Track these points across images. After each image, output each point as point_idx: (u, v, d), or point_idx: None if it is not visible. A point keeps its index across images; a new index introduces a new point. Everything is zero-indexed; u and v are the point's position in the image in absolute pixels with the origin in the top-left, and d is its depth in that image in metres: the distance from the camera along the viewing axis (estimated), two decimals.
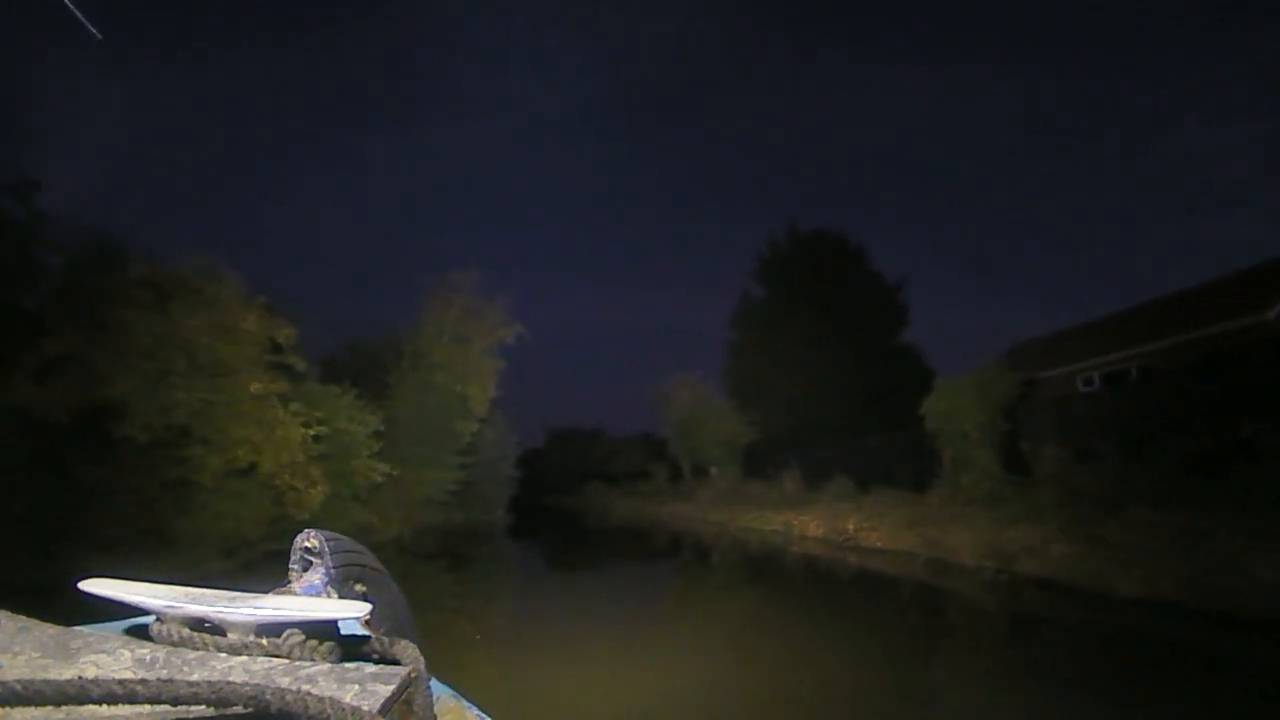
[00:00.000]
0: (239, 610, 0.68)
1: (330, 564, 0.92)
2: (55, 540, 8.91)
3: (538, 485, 42.68)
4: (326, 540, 0.94)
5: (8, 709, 0.50)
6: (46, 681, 0.50)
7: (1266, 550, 6.76)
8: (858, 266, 31.11)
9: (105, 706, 0.52)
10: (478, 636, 6.18)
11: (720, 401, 27.85)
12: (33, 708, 0.50)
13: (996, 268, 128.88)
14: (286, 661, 0.64)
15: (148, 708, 0.53)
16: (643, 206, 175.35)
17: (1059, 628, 6.92)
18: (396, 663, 0.68)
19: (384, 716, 0.57)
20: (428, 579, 11.42)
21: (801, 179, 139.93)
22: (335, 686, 0.60)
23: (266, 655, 0.66)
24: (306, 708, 0.52)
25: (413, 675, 0.65)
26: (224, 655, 0.66)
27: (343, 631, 0.75)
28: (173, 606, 0.70)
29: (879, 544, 12.56)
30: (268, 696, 0.52)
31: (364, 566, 0.98)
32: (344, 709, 0.52)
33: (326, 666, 0.64)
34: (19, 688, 0.49)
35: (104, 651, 0.65)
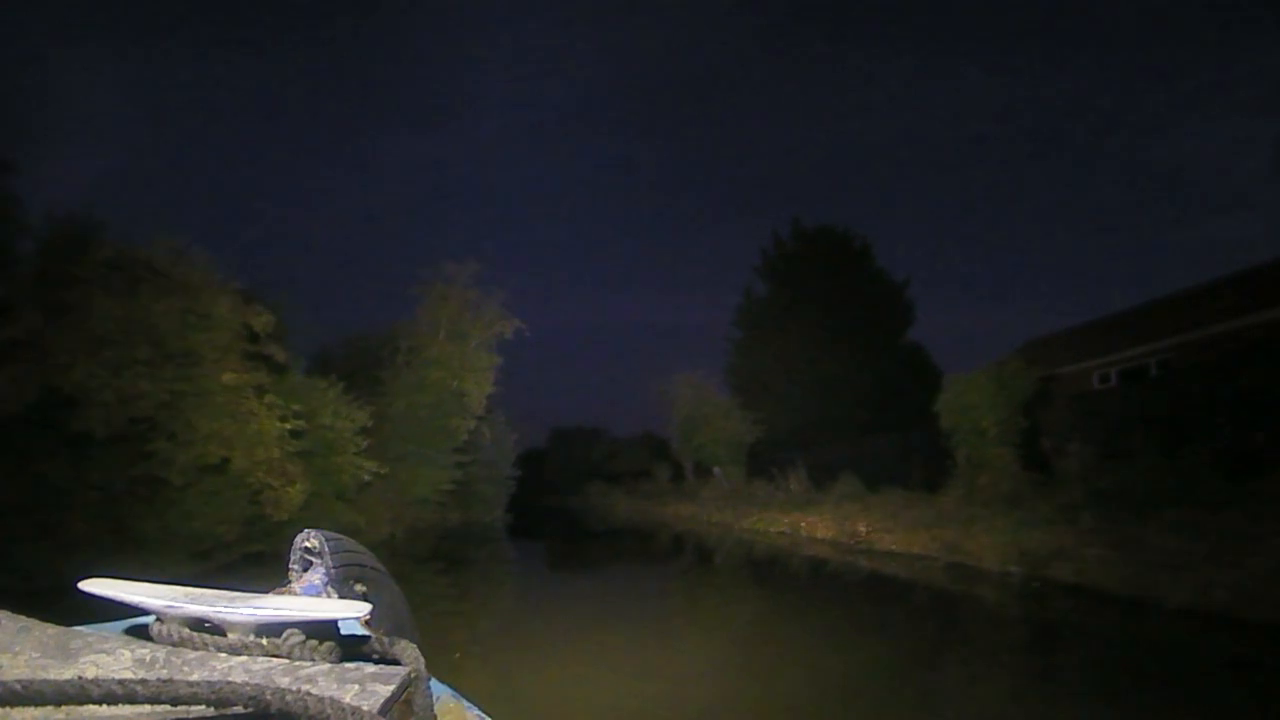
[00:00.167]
0: (239, 610, 0.68)
1: (330, 564, 0.90)
2: (13, 541, 8.31)
3: (539, 485, 42.43)
4: (326, 540, 0.92)
5: (8, 709, 0.50)
6: (46, 681, 0.50)
7: None
8: (863, 263, 30.68)
9: (105, 706, 0.52)
10: (456, 655, 5.58)
11: (724, 399, 27.32)
12: (33, 708, 0.50)
13: (1000, 267, 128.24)
14: (286, 661, 0.64)
15: (148, 708, 0.53)
16: (644, 206, 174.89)
17: (1109, 643, 6.21)
18: (396, 663, 0.67)
19: (384, 716, 0.57)
20: (418, 584, 10.80)
21: (804, 179, 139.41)
22: (335, 686, 0.59)
23: (266, 655, 0.65)
24: (306, 708, 0.52)
25: (413, 675, 0.65)
26: (224, 655, 0.65)
27: (343, 631, 0.74)
28: (173, 606, 0.70)
29: (893, 547, 11.93)
30: (268, 696, 0.52)
31: (364, 566, 0.97)
32: (344, 709, 0.52)
33: (326, 666, 0.63)
34: (19, 688, 0.49)
35: (104, 651, 0.65)
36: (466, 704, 0.88)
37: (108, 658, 0.64)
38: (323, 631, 0.70)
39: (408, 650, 0.69)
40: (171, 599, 0.71)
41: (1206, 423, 10.63)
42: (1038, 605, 7.68)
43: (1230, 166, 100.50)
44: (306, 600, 0.83)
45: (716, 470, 25.92)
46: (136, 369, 10.05)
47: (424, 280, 21.63)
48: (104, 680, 0.51)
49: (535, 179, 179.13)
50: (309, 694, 0.53)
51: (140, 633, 0.72)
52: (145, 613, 0.75)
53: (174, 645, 0.67)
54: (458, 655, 5.66)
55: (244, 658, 0.65)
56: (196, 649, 0.66)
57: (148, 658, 0.64)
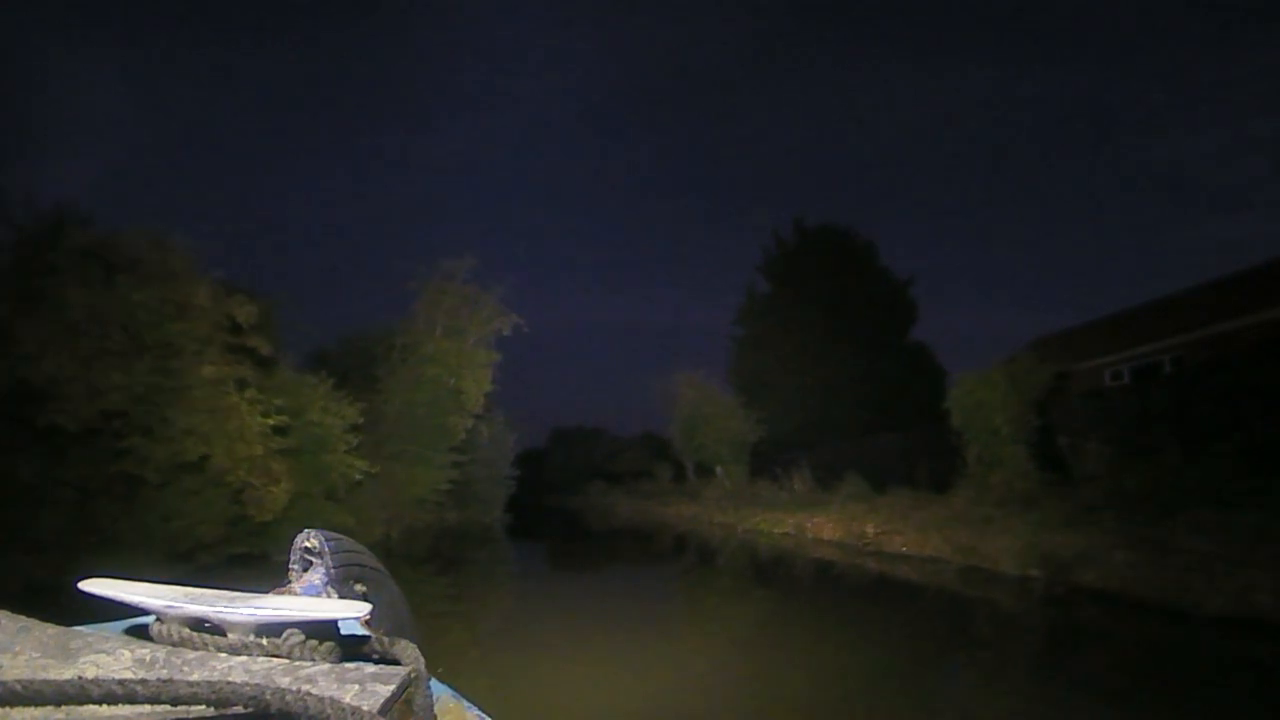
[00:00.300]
0: (239, 610, 0.68)
1: (330, 564, 0.90)
2: None
3: (540, 485, 42.18)
4: (326, 540, 0.91)
5: (8, 709, 0.50)
6: (46, 681, 0.50)
7: None
8: (866, 262, 30.34)
9: (105, 706, 0.52)
10: (440, 670, 5.17)
11: (726, 398, 26.95)
12: (33, 708, 0.50)
13: (1001, 266, 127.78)
14: (286, 661, 0.64)
15: (148, 708, 0.53)
16: (645, 206, 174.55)
17: (1150, 654, 5.72)
18: (396, 663, 0.67)
19: (384, 716, 0.57)
20: (413, 586, 10.38)
21: (805, 178, 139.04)
22: (335, 686, 0.59)
23: (266, 655, 0.65)
24: (306, 708, 0.52)
25: (413, 675, 0.65)
26: (224, 655, 0.65)
27: (343, 631, 0.74)
28: (173, 606, 0.70)
29: (903, 549, 11.48)
30: (268, 696, 0.52)
31: (364, 566, 0.96)
32: (344, 709, 0.52)
33: (326, 666, 0.63)
34: (19, 688, 0.49)
35: (104, 651, 0.65)
36: (466, 704, 0.87)
37: (108, 658, 0.64)
38: (323, 631, 0.69)
39: (408, 650, 0.69)
40: (171, 599, 0.70)
41: (1228, 420, 10.20)
42: (1065, 612, 7.24)
43: (1230, 167, 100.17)
44: (306, 600, 0.83)
45: (719, 470, 25.55)
46: (108, 360, 9.57)
47: (420, 276, 21.24)
48: (104, 680, 0.51)
49: (536, 179, 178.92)
50: (309, 694, 0.52)
51: (140, 633, 0.72)
52: (145, 613, 0.74)
53: (174, 645, 0.67)
54: (440, 670, 5.24)
55: (244, 658, 0.64)
56: (196, 649, 0.66)
57: (148, 658, 0.64)
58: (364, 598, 0.91)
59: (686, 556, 14.71)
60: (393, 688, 0.60)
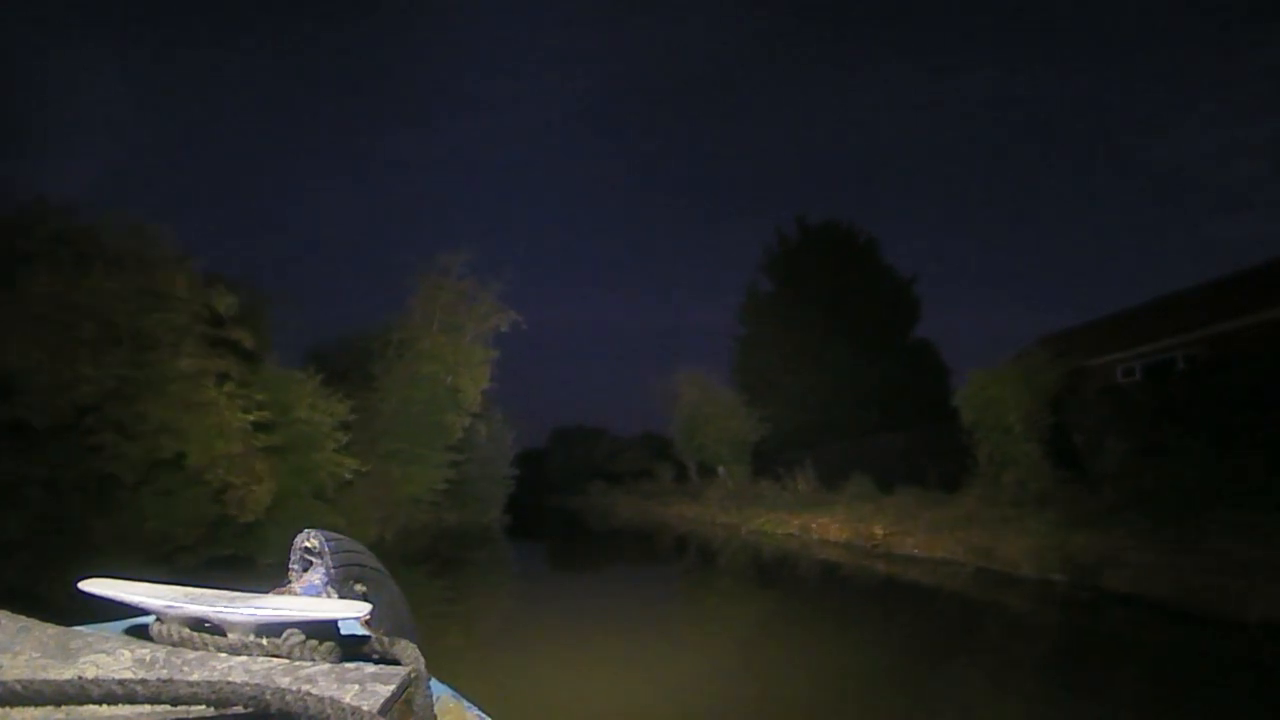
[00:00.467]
0: (239, 610, 0.68)
1: (330, 564, 0.90)
2: None
3: (540, 485, 41.87)
4: (326, 540, 0.91)
5: (8, 709, 0.50)
6: (46, 681, 0.50)
7: None
8: (869, 259, 29.97)
9: (105, 706, 0.52)
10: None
11: (728, 397, 26.55)
12: (33, 708, 0.50)
13: (1003, 265, 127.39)
14: (286, 661, 0.64)
15: (148, 708, 0.53)
16: (646, 205, 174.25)
17: (1201, 669, 5.18)
18: (396, 663, 0.67)
19: (384, 716, 0.57)
20: (406, 588, 9.97)
21: (806, 178, 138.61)
22: (335, 686, 0.59)
23: (266, 655, 0.65)
24: (306, 708, 0.52)
25: (413, 675, 0.65)
26: (224, 655, 0.65)
27: (343, 631, 0.74)
28: (173, 606, 0.70)
29: (914, 551, 11.07)
30: (268, 696, 0.52)
31: (364, 566, 0.96)
32: (344, 709, 0.52)
33: (326, 666, 0.63)
34: (19, 688, 0.49)
35: (104, 651, 0.64)
36: (466, 704, 0.87)
37: (108, 658, 0.63)
38: (323, 631, 0.69)
39: (408, 650, 0.69)
40: (171, 599, 0.70)
41: (1254, 416, 9.79)
42: (1096, 620, 6.80)
43: (1230, 167, 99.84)
44: (306, 600, 0.83)
45: (721, 470, 25.15)
46: (78, 351, 9.12)
47: (416, 270, 20.80)
48: (104, 680, 0.51)
49: (536, 178, 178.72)
50: (309, 694, 0.53)
51: (140, 633, 0.72)
52: (145, 613, 0.74)
53: (174, 645, 0.67)
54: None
55: (244, 658, 0.64)
56: (196, 649, 0.66)
57: (148, 658, 0.64)
58: (364, 598, 0.90)
59: (691, 560, 14.30)
60: (393, 688, 0.60)
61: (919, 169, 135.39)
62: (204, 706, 0.52)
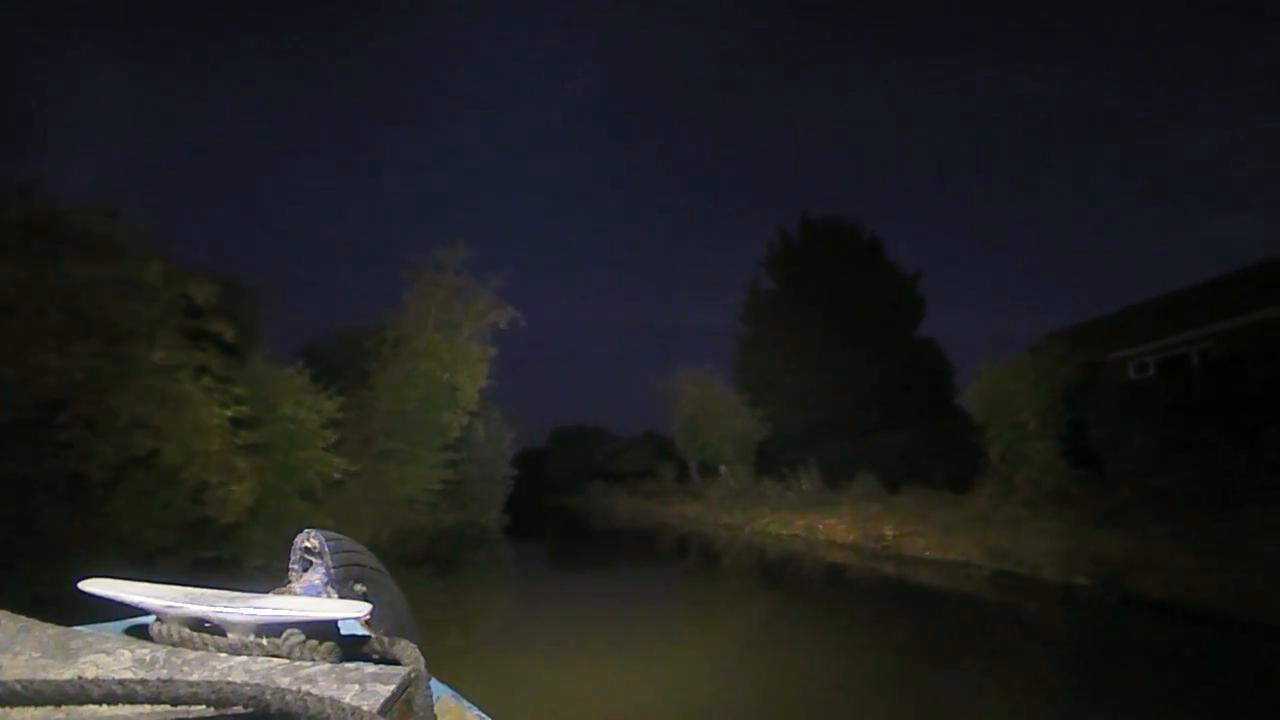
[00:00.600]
0: (239, 610, 0.68)
1: (330, 564, 0.88)
2: None
3: (541, 485, 41.55)
4: (326, 540, 0.89)
5: (8, 709, 0.50)
6: (46, 681, 0.50)
7: None
8: (872, 257, 29.62)
9: (105, 706, 0.52)
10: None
11: (730, 395, 26.15)
12: (33, 708, 0.50)
13: (1004, 264, 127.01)
14: (286, 661, 0.64)
15: (148, 708, 0.53)
16: (646, 204, 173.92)
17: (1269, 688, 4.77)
18: (396, 663, 0.67)
19: (384, 716, 0.57)
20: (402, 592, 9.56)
21: (807, 178, 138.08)
22: (335, 686, 0.59)
23: (266, 655, 0.65)
24: (306, 708, 0.51)
25: (413, 675, 0.65)
26: (224, 655, 0.65)
27: (343, 631, 0.74)
28: (173, 606, 0.69)
29: (926, 553, 10.63)
30: (268, 696, 0.51)
31: (364, 566, 0.95)
32: (344, 709, 0.52)
33: (326, 666, 0.63)
34: (19, 688, 0.48)
35: (104, 651, 0.64)
36: (466, 704, 0.86)
37: (108, 658, 0.63)
38: (323, 631, 0.69)
39: (408, 650, 0.68)
40: (171, 599, 0.70)
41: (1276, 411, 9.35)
42: (1133, 630, 6.34)
43: (1230, 167, 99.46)
44: (306, 600, 0.82)
45: (723, 469, 24.74)
46: (43, 341, 8.65)
47: (411, 266, 20.35)
48: (104, 680, 0.51)
49: (536, 178, 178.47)
50: (309, 694, 0.53)
51: (140, 633, 0.72)
52: (145, 613, 0.74)
53: (174, 645, 0.67)
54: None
55: (244, 658, 0.64)
56: (196, 649, 0.66)
57: (148, 658, 0.64)
58: (364, 598, 0.87)
59: (695, 562, 13.88)
60: (393, 688, 0.60)
61: (918, 169, 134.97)
62: (204, 706, 0.52)
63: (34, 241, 8.96)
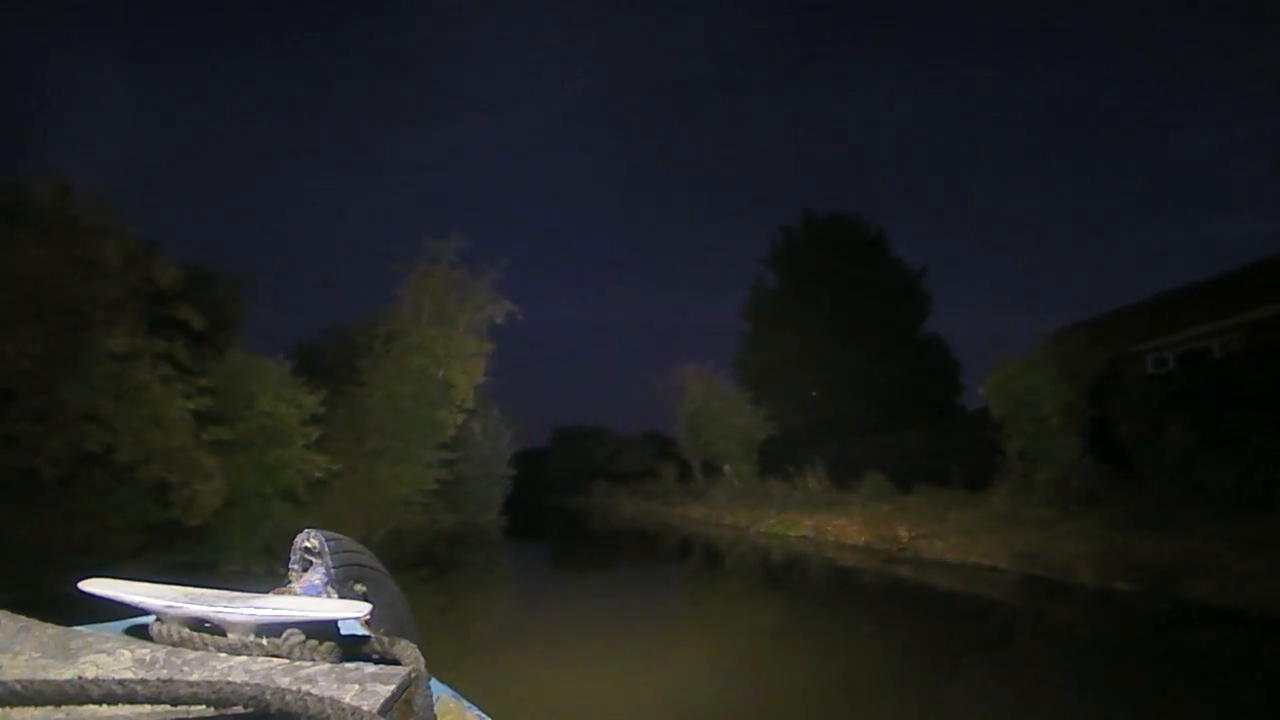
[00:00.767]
0: (239, 610, 0.67)
1: (330, 564, 0.87)
2: None
3: (541, 485, 41.11)
4: (326, 540, 0.89)
5: (8, 709, 0.50)
6: (46, 681, 0.49)
7: None
8: (876, 253, 29.04)
9: (105, 706, 0.52)
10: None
11: (734, 393, 25.57)
12: (33, 708, 0.50)
13: (1001, 265, 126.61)
14: (286, 661, 0.64)
15: (148, 708, 0.53)
16: (647, 203, 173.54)
17: None
18: (396, 663, 0.67)
19: (384, 716, 0.57)
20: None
21: (807, 178, 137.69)
22: (335, 686, 0.59)
23: (266, 655, 0.65)
24: (306, 708, 0.51)
25: (413, 675, 0.64)
26: (224, 655, 0.65)
27: (343, 631, 0.74)
28: (173, 606, 0.69)
29: (946, 556, 10.02)
30: (268, 696, 0.51)
31: (364, 566, 0.94)
32: (344, 709, 0.52)
33: (326, 666, 0.63)
34: (19, 688, 0.48)
35: (104, 651, 0.64)
36: (466, 704, 0.86)
37: (108, 658, 0.63)
38: (323, 631, 0.69)
39: (408, 650, 0.68)
40: (171, 599, 0.70)
41: None
42: (1193, 639, 5.69)
43: (1230, 167, 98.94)
44: (306, 600, 0.81)
45: (727, 469, 24.15)
46: None
47: (405, 258, 19.71)
48: (104, 680, 0.51)
49: (536, 178, 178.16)
50: (309, 694, 0.52)
51: (140, 633, 0.72)
52: (145, 613, 0.74)
53: (174, 645, 0.67)
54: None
55: (244, 658, 0.64)
56: (196, 649, 0.66)
57: (148, 658, 0.64)
58: (364, 598, 0.86)
59: (700, 565, 13.29)
60: (393, 688, 0.60)
61: (918, 169, 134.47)
62: (204, 706, 0.52)
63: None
